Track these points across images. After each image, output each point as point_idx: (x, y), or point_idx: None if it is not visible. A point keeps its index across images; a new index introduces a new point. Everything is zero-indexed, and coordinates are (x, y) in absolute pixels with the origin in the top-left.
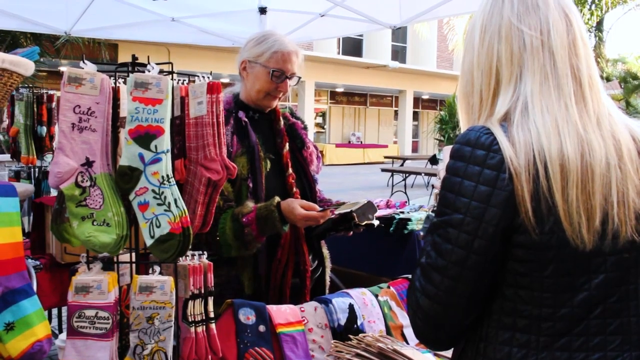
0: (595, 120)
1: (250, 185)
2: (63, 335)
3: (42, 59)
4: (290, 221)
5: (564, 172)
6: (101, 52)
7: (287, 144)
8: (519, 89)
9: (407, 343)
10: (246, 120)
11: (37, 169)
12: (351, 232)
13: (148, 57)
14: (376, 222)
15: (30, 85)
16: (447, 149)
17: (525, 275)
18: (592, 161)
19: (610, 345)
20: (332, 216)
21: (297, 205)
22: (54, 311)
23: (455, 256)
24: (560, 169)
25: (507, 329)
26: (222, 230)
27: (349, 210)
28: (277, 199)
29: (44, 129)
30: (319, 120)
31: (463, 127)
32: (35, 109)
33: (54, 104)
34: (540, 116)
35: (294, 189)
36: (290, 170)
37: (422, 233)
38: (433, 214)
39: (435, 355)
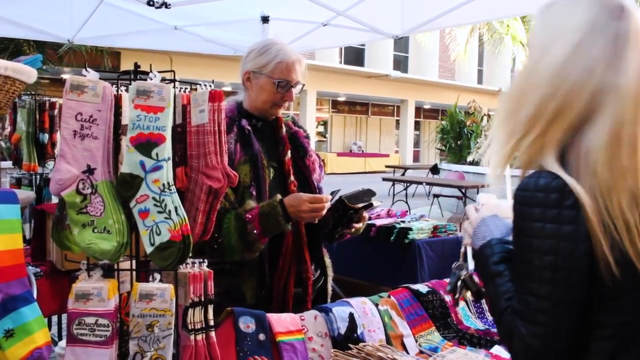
0: None
1: (254, 193)
2: (63, 343)
3: (44, 67)
4: (295, 216)
5: (629, 227)
6: (104, 60)
7: (289, 152)
8: (583, 130)
9: (407, 352)
10: (249, 128)
11: (38, 176)
12: (359, 224)
13: (150, 65)
14: (376, 203)
15: (33, 93)
16: (484, 196)
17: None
18: None
19: None
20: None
21: (302, 196)
22: (54, 318)
23: (560, 273)
24: (625, 224)
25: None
26: (227, 229)
27: (339, 196)
28: (279, 196)
29: (46, 136)
30: (321, 129)
31: (499, 144)
32: (37, 116)
33: (56, 111)
34: (604, 168)
35: None
36: (292, 178)
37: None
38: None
39: None
